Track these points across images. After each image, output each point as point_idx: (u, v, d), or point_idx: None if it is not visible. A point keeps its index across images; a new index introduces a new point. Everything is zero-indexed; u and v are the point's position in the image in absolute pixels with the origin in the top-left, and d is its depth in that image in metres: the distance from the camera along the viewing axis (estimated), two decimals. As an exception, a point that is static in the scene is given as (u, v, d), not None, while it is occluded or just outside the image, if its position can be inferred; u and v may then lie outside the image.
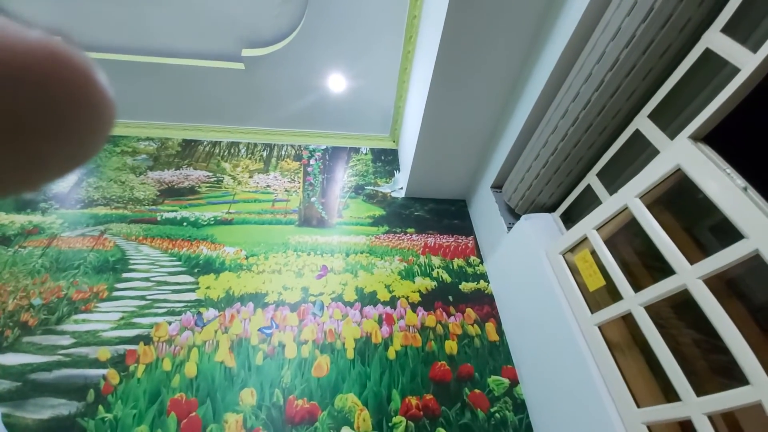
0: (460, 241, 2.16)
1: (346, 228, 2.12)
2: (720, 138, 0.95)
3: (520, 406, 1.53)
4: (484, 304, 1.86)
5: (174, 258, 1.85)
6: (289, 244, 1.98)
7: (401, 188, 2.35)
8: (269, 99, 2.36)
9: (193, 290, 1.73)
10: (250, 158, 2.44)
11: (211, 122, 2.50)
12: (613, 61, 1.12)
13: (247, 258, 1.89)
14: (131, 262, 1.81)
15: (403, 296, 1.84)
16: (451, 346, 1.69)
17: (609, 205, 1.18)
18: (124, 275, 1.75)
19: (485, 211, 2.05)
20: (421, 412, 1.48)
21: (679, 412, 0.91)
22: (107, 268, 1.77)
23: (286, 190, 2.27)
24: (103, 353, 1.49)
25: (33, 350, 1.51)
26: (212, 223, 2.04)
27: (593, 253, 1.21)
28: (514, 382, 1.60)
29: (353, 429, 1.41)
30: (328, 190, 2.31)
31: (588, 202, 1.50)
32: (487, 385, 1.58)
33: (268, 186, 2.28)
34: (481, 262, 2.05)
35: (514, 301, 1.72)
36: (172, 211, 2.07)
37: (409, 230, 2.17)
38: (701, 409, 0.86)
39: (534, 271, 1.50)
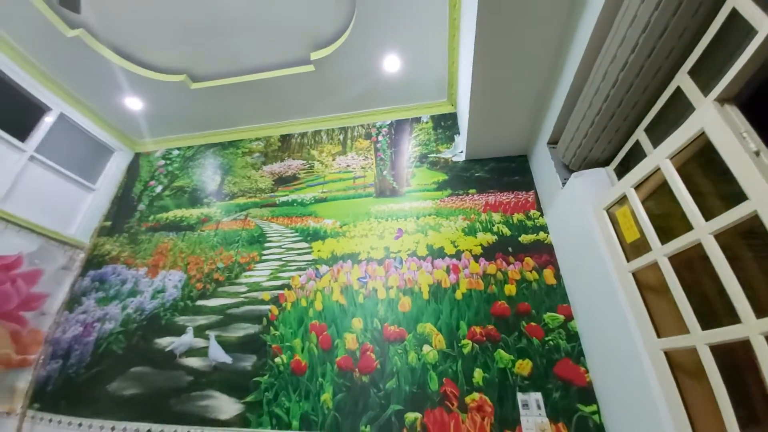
0: (519, 196, 2.32)
1: (414, 195, 2.50)
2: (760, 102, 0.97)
3: (573, 337, 1.81)
4: (543, 253, 2.08)
5: (293, 231, 2.55)
6: (370, 213, 2.48)
7: (461, 152, 2.56)
8: (338, 88, 2.73)
9: (309, 252, 2.40)
10: (330, 143, 2.94)
11: (297, 117, 3.04)
12: (645, 23, 1.14)
13: (341, 227, 2.47)
14: (268, 236, 2.57)
15: (466, 249, 2.19)
16: (510, 289, 2.01)
17: (645, 165, 1.27)
18: (266, 245, 2.53)
19: (543, 166, 2.15)
20: (484, 338, 1.91)
21: (688, 341, 1.11)
22: (255, 241, 2.57)
23: (362, 168, 2.72)
24: (265, 296, 2.29)
25: (225, 296, 2.40)
26: (313, 202, 2.66)
27: (630, 208, 1.34)
28: (569, 318, 1.86)
29: (432, 346, 1.93)
30: (396, 163, 2.68)
31: (640, 156, 1.53)
32: (543, 319, 1.89)
33: (348, 166, 2.76)
34: (541, 215, 2.21)
35: (570, 250, 1.90)
36: (285, 195, 2.76)
37: (470, 191, 2.42)
38: (705, 339, 1.05)
39: (583, 224, 1.66)
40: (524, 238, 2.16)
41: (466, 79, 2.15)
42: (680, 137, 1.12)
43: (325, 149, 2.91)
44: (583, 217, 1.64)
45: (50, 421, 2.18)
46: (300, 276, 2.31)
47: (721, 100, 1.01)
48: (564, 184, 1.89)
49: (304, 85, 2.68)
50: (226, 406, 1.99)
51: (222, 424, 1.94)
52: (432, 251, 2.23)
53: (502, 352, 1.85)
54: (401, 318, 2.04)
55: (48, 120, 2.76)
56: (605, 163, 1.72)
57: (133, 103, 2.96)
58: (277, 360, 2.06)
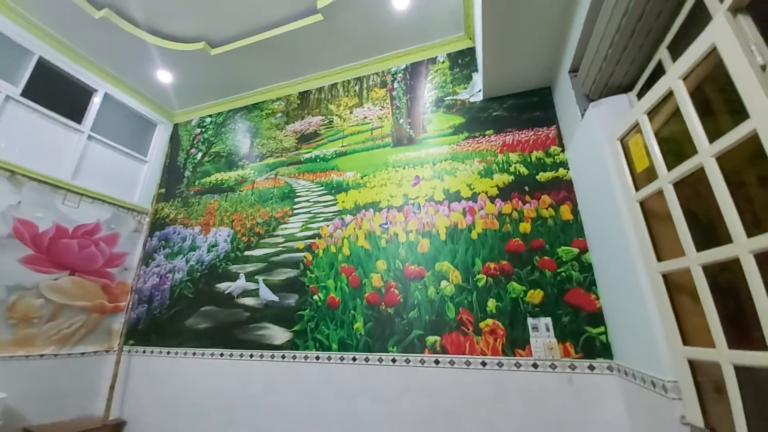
0: (540, 133, 2.26)
1: (431, 141, 2.52)
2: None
3: (586, 268, 1.88)
4: (561, 189, 2.08)
5: (318, 185, 2.74)
6: (388, 163, 2.57)
7: (479, 90, 2.47)
8: (348, 35, 2.68)
9: (334, 204, 2.60)
10: (347, 95, 2.96)
11: (313, 72, 3.06)
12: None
13: (362, 178, 2.60)
14: (297, 191, 2.79)
15: (482, 191, 2.24)
16: (525, 227, 2.08)
17: (658, 87, 1.21)
18: (296, 200, 2.76)
19: (565, 97, 2.05)
20: (498, 272, 2.04)
21: (683, 263, 1.15)
22: (286, 197, 2.81)
23: (379, 118, 2.75)
24: (300, 245, 2.58)
25: (266, 246, 2.73)
26: (334, 156, 2.79)
27: (642, 136, 1.31)
28: (583, 250, 1.92)
29: (449, 281, 2.11)
30: (412, 110, 2.67)
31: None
32: (556, 253, 1.96)
33: (365, 118, 2.81)
34: (562, 150, 2.16)
35: (587, 184, 1.88)
36: (308, 152, 2.91)
37: (487, 132, 2.39)
38: (699, 260, 1.09)
39: (598, 157, 1.63)
40: (542, 176, 2.15)
41: (480, 3, 2.00)
42: (692, 54, 1.05)
43: (342, 102, 2.95)
44: (598, 149, 1.61)
45: (144, 352, 2.77)
46: (328, 226, 2.54)
47: (734, 9, 0.92)
48: (583, 115, 1.81)
49: (316, 36, 2.66)
50: (278, 335, 2.39)
51: (276, 348, 2.36)
52: (449, 195, 2.31)
53: (514, 284, 1.98)
54: (420, 258, 2.22)
55: (96, 101, 3.07)
56: (628, 89, 1.62)
57: (164, 76, 3.16)
58: (315, 297, 2.38)
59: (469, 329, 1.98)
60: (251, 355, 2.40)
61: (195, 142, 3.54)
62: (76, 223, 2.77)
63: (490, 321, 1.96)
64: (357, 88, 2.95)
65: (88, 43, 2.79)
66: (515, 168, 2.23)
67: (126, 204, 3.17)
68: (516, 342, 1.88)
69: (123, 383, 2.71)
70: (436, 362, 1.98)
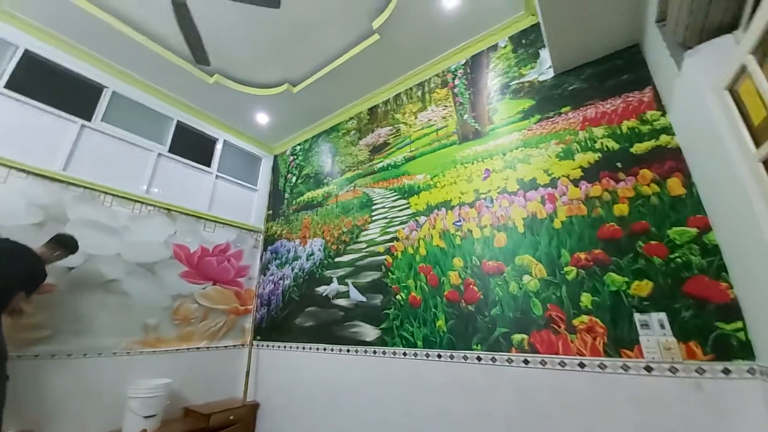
0: (630, 98, 1.95)
1: (498, 131, 2.42)
2: None
3: (710, 251, 1.54)
4: (666, 159, 1.75)
5: (392, 191, 2.89)
6: (456, 160, 2.56)
7: (549, 67, 2.28)
8: (407, 46, 2.79)
9: (408, 207, 2.71)
10: (410, 102, 3.07)
11: (377, 87, 3.27)
12: None
13: (432, 179, 2.65)
14: (373, 199, 3.01)
15: (563, 176, 2.04)
16: (621, 209, 1.81)
17: (761, 16, 0.96)
18: (373, 207, 2.97)
19: (658, 51, 1.73)
20: (591, 263, 1.82)
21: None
22: (365, 206, 3.05)
23: (443, 118, 2.77)
24: (380, 248, 2.76)
25: (352, 252, 2.99)
26: (404, 162, 2.91)
27: (753, 80, 1.05)
28: (704, 230, 1.57)
29: (532, 276, 1.98)
30: (476, 103, 2.61)
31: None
32: (666, 236, 1.66)
33: (429, 120, 2.86)
34: (663, 114, 1.82)
35: (699, 148, 1.55)
36: (380, 162, 3.11)
37: (563, 110, 2.17)
38: None
39: (705, 114, 1.35)
40: (638, 148, 1.85)
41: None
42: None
43: (407, 109, 3.07)
44: (703, 104, 1.33)
45: (267, 346, 3.33)
46: (404, 228, 2.66)
47: None
48: (679, 67, 1.52)
49: (376, 54, 2.85)
50: (369, 332, 2.60)
51: (368, 344, 2.56)
52: (523, 184, 2.18)
53: (613, 275, 1.74)
54: (498, 253, 2.14)
55: (218, 147, 3.89)
56: (732, 27, 1.29)
57: (262, 118, 3.81)
58: (398, 297, 2.51)
59: (560, 327, 1.82)
60: (348, 350, 2.66)
61: (290, 168, 4.13)
62: (213, 244, 3.54)
63: (585, 318, 1.76)
64: (419, 93, 3.03)
65: (208, 103, 3.58)
66: (602, 144, 1.97)
67: (245, 225, 3.89)
68: (621, 341, 1.65)
69: (255, 372, 3.32)
70: (525, 362, 1.87)
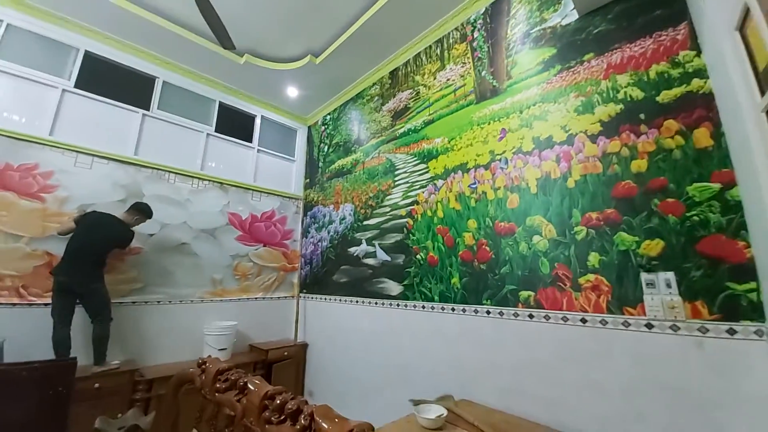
0: (662, 37, 1.73)
1: (516, 87, 2.30)
2: None
3: (731, 208, 1.43)
4: (695, 107, 1.58)
5: (412, 156, 2.96)
6: (473, 122, 2.51)
7: (572, 8, 2.06)
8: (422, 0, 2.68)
9: (427, 172, 2.78)
10: (429, 62, 2.98)
11: (397, 48, 3.21)
12: None
13: (449, 142, 2.66)
14: (396, 165, 3.11)
15: (580, 131, 1.94)
16: (639, 165, 1.71)
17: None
18: (396, 173, 3.09)
19: (695, -22, 1.50)
20: (601, 222, 1.79)
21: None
22: (388, 171, 3.18)
23: (461, 76, 2.68)
24: (402, 212, 2.91)
25: (378, 216, 3.19)
26: (423, 126, 2.92)
27: (754, 21, 0.93)
28: (727, 185, 1.45)
29: (542, 236, 2.00)
30: (495, 57, 2.47)
31: None
32: (686, 193, 1.56)
33: (448, 80, 2.78)
34: (697, 54, 1.60)
35: (730, 93, 1.38)
36: (401, 127, 3.15)
37: (586, 57, 1.99)
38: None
39: (721, 53, 1.20)
40: (665, 96, 1.68)
41: None
42: None
43: (426, 70, 3.00)
44: (720, 43, 1.18)
45: (312, 299, 3.82)
46: (423, 192, 2.76)
47: None
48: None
49: (391, 12, 2.76)
50: (393, 288, 2.86)
51: (392, 298, 2.83)
52: (538, 143, 2.11)
53: (623, 234, 1.70)
54: (510, 214, 2.16)
55: (257, 122, 4.22)
56: None
57: (292, 91, 4.00)
58: (418, 257, 2.69)
59: (566, 285, 1.86)
60: (376, 303, 2.98)
61: (322, 137, 4.34)
62: (261, 212, 4.01)
63: (591, 276, 1.78)
64: (438, 51, 2.92)
65: (242, 82, 3.84)
66: (625, 93, 1.81)
67: (287, 194, 4.29)
68: (625, 299, 1.66)
69: (303, 319, 3.87)
70: (530, 316, 1.97)
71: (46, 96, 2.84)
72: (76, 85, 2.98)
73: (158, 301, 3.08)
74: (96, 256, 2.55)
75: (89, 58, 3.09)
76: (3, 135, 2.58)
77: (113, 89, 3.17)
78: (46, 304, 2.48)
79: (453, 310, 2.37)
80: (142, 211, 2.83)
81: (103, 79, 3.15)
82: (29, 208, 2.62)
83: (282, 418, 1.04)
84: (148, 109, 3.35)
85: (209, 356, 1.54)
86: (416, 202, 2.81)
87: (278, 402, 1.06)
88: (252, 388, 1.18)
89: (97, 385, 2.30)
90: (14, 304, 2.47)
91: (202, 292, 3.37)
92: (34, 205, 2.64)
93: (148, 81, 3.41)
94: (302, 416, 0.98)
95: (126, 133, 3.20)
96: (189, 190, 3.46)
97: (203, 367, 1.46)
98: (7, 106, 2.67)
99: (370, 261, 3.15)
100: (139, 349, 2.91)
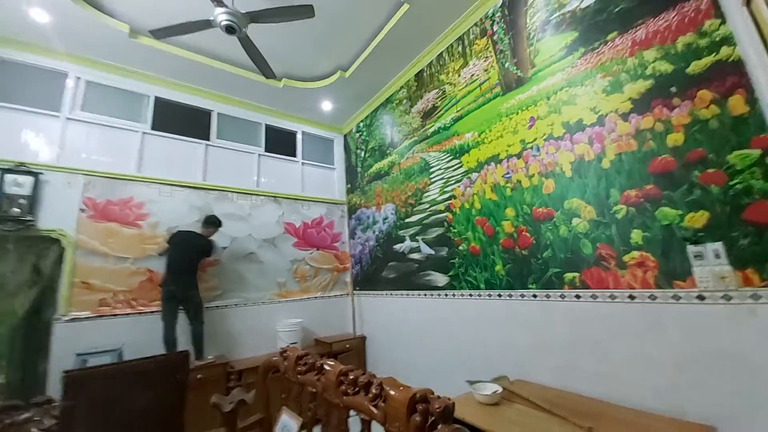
0: (685, 8, 1.70)
1: (541, 74, 2.34)
2: None
3: (778, 170, 1.41)
4: (727, 75, 1.56)
5: (445, 153, 3.10)
6: (501, 113, 2.59)
7: (592, -11, 2.06)
8: (439, 3, 2.79)
9: (461, 166, 2.90)
10: (452, 60, 3.08)
11: (420, 50, 3.34)
12: None
13: (479, 135, 2.76)
14: (430, 163, 3.27)
15: (611, 111, 1.96)
16: (675, 138, 1.71)
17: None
18: (431, 170, 3.24)
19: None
20: (642, 199, 1.81)
21: None
22: (424, 170, 3.34)
23: (484, 70, 2.76)
24: (441, 207, 3.07)
25: (418, 213, 3.37)
26: (452, 123, 3.04)
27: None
28: (769, 149, 1.43)
29: (581, 218, 2.05)
30: (516, 48, 2.52)
31: None
32: (726, 162, 1.55)
33: (472, 75, 2.87)
34: (723, 22, 1.57)
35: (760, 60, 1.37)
36: (431, 126, 3.29)
37: (609, 37, 2.00)
38: None
39: (734, 26, 1.22)
40: (695, 67, 1.66)
41: None
42: None
43: (450, 68, 3.11)
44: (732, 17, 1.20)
45: (365, 295, 4.11)
46: (459, 186, 2.89)
47: None
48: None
49: (411, 21, 2.92)
50: (440, 279, 3.03)
51: (440, 289, 3.01)
52: (569, 127, 2.15)
53: (665, 209, 1.72)
54: (547, 199, 2.23)
55: (299, 137, 4.60)
56: None
57: (327, 105, 4.31)
58: (460, 248, 2.83)
59: (611, 264, 1.91)
60: (425, 294, 3.17)
61: (358, 144, 4.61)
62: (311, 219, 4.39)
63: (636, 253, 1.81)
64: (460, 48, 3.01)
65: (283, 103, 4.23)
66: (653, 69, 1.81)
67: (332, 200, 4.63)
68: (673, 273, 1.68)
69: (359, 314, 4.18)
70: (577, 297, 2.04)
71: (131, 139, 3.41)
72: (153, 127, 3.53)
73: (236, 304, 3.57)
74: (189, 266, 3.07)
75: (159, 102, 3.64)
76: (102, 176, 3.16)
77: (179, 126, 3.70)
78: (152, 312, 3.03)
79: (500, 296, 2.48)
80: (213, 223, 3.32)
81: (171, 118, 3.69)
82: (130, 234, 3.19)
83: (356, 389, 1.28)
84: (208, 139, 3.85)
85: (288, 345, 1.85)
86: (453, 197, 2.95)
87: (351, 377, 1.30)
88: (328, 368, 1.43)
89: (199, 375, 2.78)
90: (128, 314, 3.05)
91: (270, 294, 3.81)
92: (133, 231, 3.21)
93: (206, 114, 3.92)
94: (373, 386, 1.21)
95: (195, 162, 3.72)
96: (249, 205, 3.92)
97: (285, 354, 1.76)
98: (100, 151, 3.26)
99: (415, 256, 3.35)
100: (226, 346, 3.40)
